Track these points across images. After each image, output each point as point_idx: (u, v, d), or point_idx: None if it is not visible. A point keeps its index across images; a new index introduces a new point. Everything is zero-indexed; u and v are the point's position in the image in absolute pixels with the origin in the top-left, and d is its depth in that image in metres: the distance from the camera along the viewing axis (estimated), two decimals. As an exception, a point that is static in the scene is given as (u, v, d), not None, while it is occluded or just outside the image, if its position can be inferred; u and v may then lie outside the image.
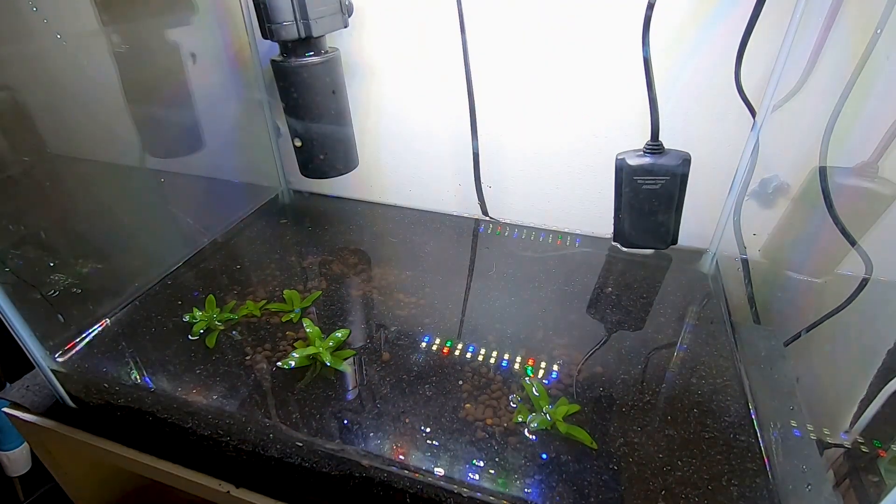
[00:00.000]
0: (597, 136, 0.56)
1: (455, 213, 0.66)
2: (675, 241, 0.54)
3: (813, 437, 0.38)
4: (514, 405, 0.38)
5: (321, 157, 0.57)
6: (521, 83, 0.55)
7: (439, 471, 0.34)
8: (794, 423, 0.40)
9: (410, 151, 0.64)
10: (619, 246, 0.56)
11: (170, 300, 0.50)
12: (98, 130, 0.50)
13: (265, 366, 0.42)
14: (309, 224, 0.64)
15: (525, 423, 0.37)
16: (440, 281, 0.53)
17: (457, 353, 0.44)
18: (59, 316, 0.45)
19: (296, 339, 0.45)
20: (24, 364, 0.42)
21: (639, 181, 0.50)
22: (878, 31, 0.42)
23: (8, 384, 0.45)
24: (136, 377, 0.42)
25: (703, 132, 0.52)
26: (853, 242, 0.46)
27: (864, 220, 0.46)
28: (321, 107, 0.54)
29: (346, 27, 0.54)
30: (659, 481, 0.33)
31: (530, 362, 0.43)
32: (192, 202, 0.61)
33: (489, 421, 0.37)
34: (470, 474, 0.34)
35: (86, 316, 0.47)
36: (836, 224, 0.46)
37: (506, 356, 0.43)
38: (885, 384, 0.39)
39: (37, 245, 0.44)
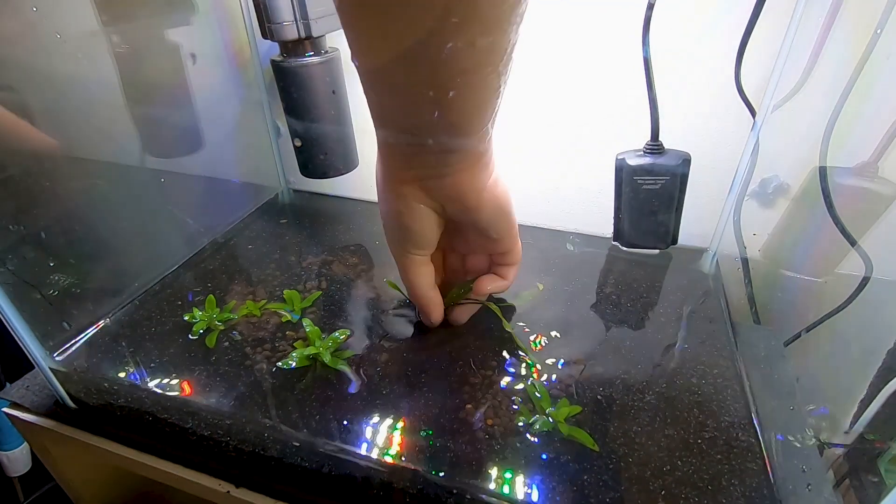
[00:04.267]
0: (597, 135, 0.56)
1: (455, 213, 0.65)
2: (675, 241, 0.54)
3: (813, 437, 0.39)
4: (516, 406, 0.38)
5: (321, 156, 0.57)
6: (520, 83, 0.55)
7: (439, 471, 0.34)
8: (794, 424, 0.40)
9: (410, 151, 0.64)
10: (619, 246, 0.56)
11: (170, 300, 0.50)
12: (98, 130, 0.50)
13: (265, 366, 0.42)
14: (309, 224, 0.64)
15: (527, 424, 0.37)
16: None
17: (456, 352, 0.43)
18: (65, 324, 0.45)
19: (296, 339, 0.45)
20: (24, 364, 0.42)
21: (639, 181, 0.50)
22: (878, 31, 0.42)
23: (8, 384, 0.45)
24: (136, 377, 0.42)
25: (703, 132, 0.52)
26: (853, 242, 0.46)
27: (864, 220, 0.46)
28: (321, 107, 0.54)
29: (346, 27, 0.54)
30: (659, 482, 0.33)
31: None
32: (191, 202, 0.61)
33: (490, 422, 0.37)
34: (470, 475, 0.34)
35: (86, 316, 0.47)
36: (836, 224, 0.46)
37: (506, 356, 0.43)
38: (885, 384, 0.39)
39: (37, 245, 0.44)
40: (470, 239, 0.41)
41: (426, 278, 0.42)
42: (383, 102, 0.31)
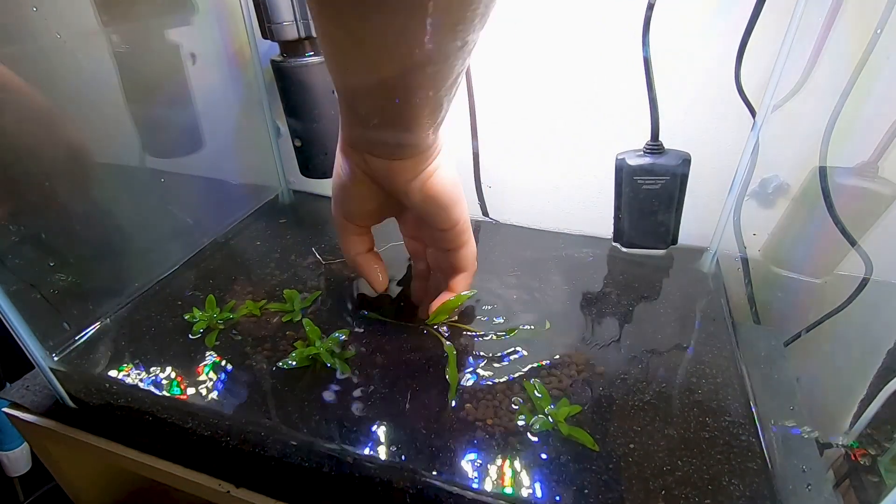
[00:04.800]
0: (597, 135, 0.56)
1: (455, 213, 0.65)
2: (675, 241, 0.54)
3: (813, 437, 0.39)
4: (516, 406, 0.38)
5: (321, 156, 0.57)
6: (521, 82, 0.56)
7: (440, 471, 0.34)
8: (794, 424, 0.40)
9: (410, 151, 0.64)
10: (619, 246, 0.56)
11: (170, 300, 0.50)
12: (98, 130, 0.50)
13: (265, 366, 0.42)
14: (309, 224, 0.64)
15: (527, 424, 0.37)
16: (440, 281, 0.52)
17: (457, 353, 0.43)
18: (65, 324, 0.45)
19: (296, 339, 0.45)
20: (24, 364, 0.42)
21: (639, 181, 0.50)
22: (878, 31, 0.42)
23: (8, 384, 0.45)
24: (136, 377, 0.42)
25: (703, 132, 0.52)
26: (853, 242, 0.46)
27: (864, 220, 0.47)
28: (321, 107, 0.54)
29: (346, 27, 0.54)
30: (659, 481, 0.33)
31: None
32: (192, 202, 0.61)
33: (490, 421, 0.37)
34: (471, 475, 0.34)
35: (86, 316, 0.47)
36: (836, 224, 0.46)
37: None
38: (885, 384, 0.39)
39: (37, 245, 0.44)
40: (423, 228, 0.43)
41: (356, 246, 0.45)
42: (338, 82, 0.33)
